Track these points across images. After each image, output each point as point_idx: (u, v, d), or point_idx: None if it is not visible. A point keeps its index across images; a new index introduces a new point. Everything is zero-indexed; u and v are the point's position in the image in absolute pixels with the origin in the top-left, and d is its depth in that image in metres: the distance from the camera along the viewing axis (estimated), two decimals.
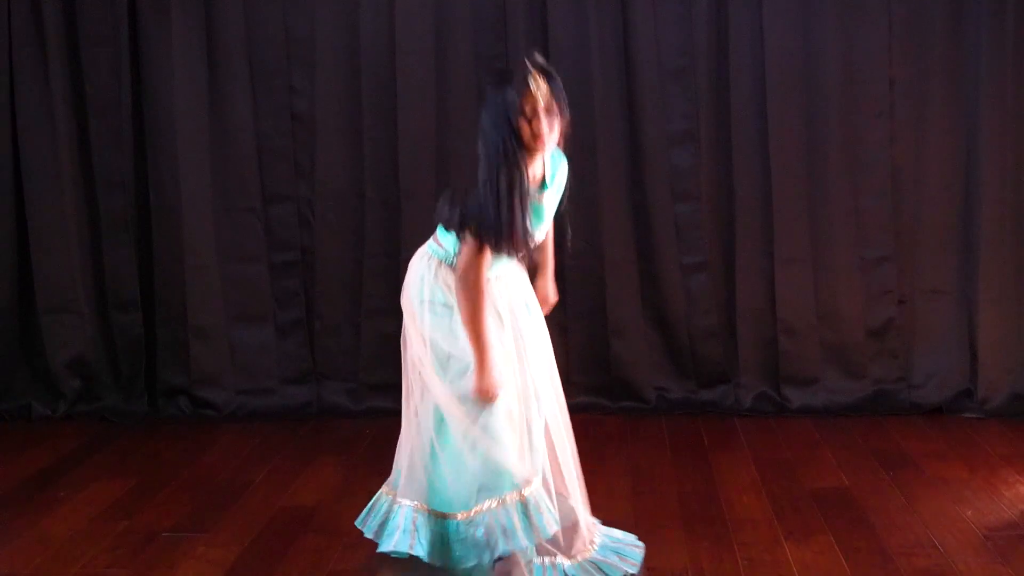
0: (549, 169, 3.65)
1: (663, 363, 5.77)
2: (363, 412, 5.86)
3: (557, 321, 5.83)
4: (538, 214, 3.63)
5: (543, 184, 3.63)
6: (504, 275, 3.71)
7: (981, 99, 5.50)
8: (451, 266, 3.62)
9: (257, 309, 5.92)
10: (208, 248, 5.85)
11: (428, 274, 3.67)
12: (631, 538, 4.03)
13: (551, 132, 3.47)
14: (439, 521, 3.60)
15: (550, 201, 3.70)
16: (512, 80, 3.45)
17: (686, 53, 5.67)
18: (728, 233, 5.75)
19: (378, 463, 5.17)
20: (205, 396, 5.90)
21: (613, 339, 5.79)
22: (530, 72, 3.43)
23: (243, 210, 5.87)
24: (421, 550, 3.57)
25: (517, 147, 3.42)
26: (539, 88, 3.42)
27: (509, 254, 3.54)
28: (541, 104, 3.42)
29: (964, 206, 5.63)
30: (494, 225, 3.43)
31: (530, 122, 3.43)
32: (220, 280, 5.88)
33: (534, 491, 3.59)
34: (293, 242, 5.92)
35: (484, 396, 3.55)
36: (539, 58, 3.49)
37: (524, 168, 3.44)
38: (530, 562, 3.71)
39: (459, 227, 3.54)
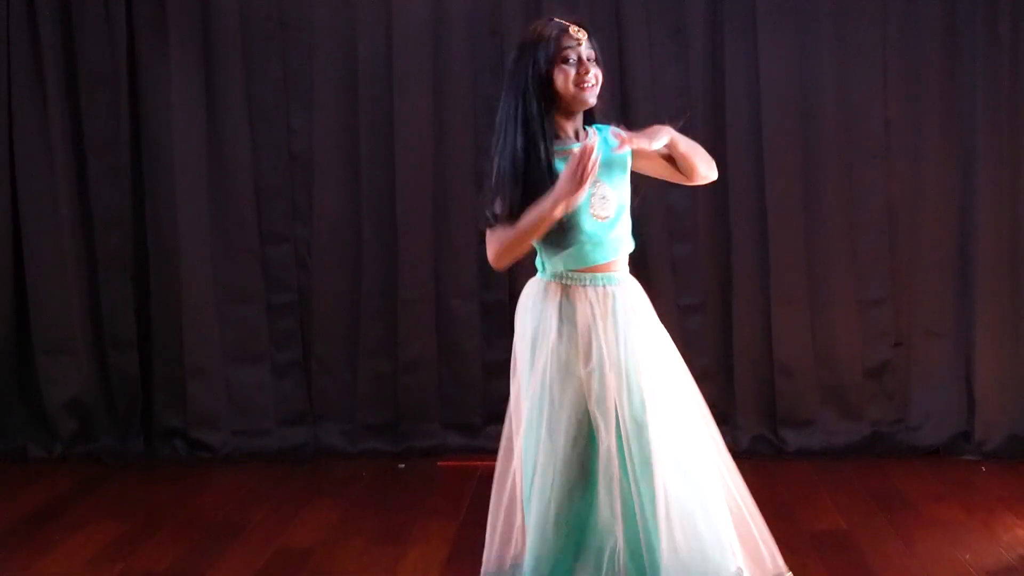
0: (595, 135, 3.31)
1: None
2: (360, 453, 5.84)
3: None
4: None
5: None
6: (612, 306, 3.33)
7: (977, 140, 5.52)
8: (548, 279, 3.30)
9: (254, 349, 5.92)
10: (205, 288, 5.85)
11: (533, 295, 3.29)
12: None
13: (597, 83, 3.20)
14: None
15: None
16: (543, 38, 3.17)
17: (682, 94, 5.69)
18: (725, 274, 5.76)
19: (375, 504, 5.17)
20: (201, 437, 5.88)
21: None
22: (567, 24, 3.18)
23: (241, 250, 5.88)
24: None
25: (542, 108, 3.15)
26: (581, 34, 3.17)
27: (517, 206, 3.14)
28: (583, 50, 3.17)
29: (960, 247, 5.65)
30: (499, 183, 3.13)
31: (576, 68, 3.15)
32: (217, 320, 5.88)
33: None
34: (290, 282, 5.92)
35: (574, 189, 3.08)
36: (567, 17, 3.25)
37: (545, 128, 3.14)
38: None
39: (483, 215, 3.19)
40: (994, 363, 5.57)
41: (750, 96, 5.64)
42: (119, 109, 5.77)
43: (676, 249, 5.74)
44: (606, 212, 3.33)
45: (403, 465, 5.72)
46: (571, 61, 3.16)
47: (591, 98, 3.22)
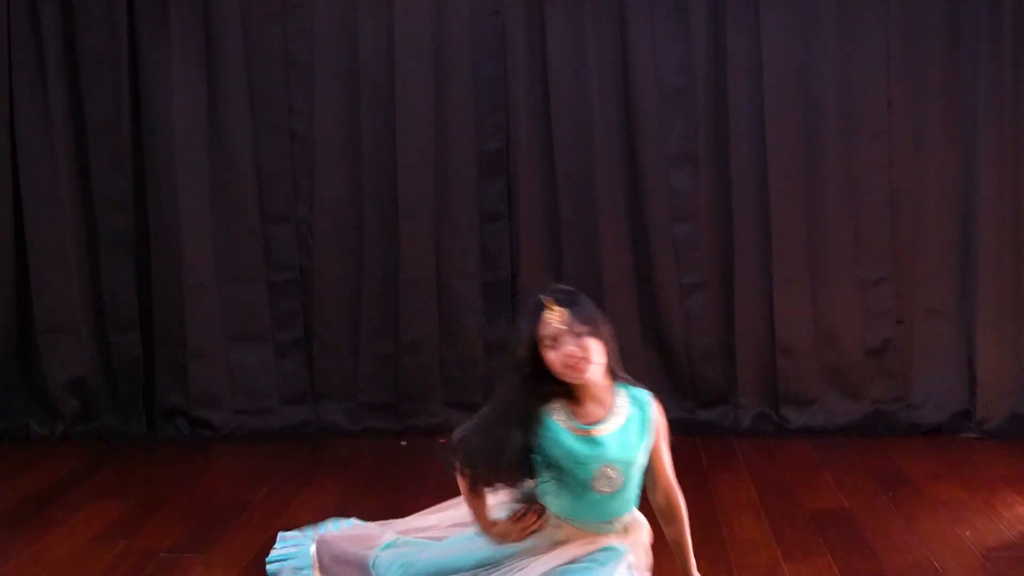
0: (624, 407, 3.31)
1: (662, 383, 5.76)
2: (361, 432, 5.86)
3: None
4: (579, 454, 3.22)
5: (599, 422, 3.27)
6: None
7: (979, 120, 5.52)
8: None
9: (256, 329, 5.92)
10: (207, 268, 5.86)
11: None
12: None
13: (584, 354, 3.17)
14: None
15: (620, 442, 3.27)
16: (531, 312, 3.23)
17: (684, 74, 5.69)
18: (727, 254, 5.76)
19: (376, 483, 5.18)
20: (203, 416, 5.89)
21: None
22: (543, 302, 3.21)
23: (242, 230, 5.88)
24: None
25: (535, 379, 3.21)
26: (554, 313, 3.17)
27: (490, 484, 3.28)
28: (562, 328, 3.16)
29: (962, 227, 5.64)
30: (474, 452, 3.24)
31: (554, 348, 3.17)
32: (219, 300, 5.88)
33: None
34: (292, 262, 5.92)
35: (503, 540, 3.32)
36: (555, 286, 3.31)
37: (536, 399, 3.22)
38: None
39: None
40: (995, 342, 5.58)
41: (752, 76, 5.63)
42: (120, 90, 5.76)
43: (678, 229, 5.74)
44: (610, 488, 3.30)
45: (405, 443, 5.73)
46: (550, 341, 3.18)
47: (582, 374, 3.20)
